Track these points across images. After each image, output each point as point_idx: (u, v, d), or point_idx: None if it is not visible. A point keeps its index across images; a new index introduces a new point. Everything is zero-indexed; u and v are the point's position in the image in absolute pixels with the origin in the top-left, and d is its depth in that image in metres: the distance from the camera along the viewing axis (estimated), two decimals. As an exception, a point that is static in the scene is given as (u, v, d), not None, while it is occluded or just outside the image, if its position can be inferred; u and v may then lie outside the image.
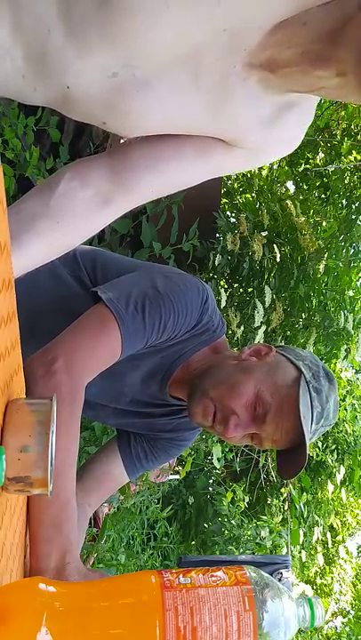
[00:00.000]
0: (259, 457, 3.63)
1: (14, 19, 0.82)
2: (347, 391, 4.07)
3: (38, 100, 0.93)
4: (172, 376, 1.25)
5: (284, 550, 3.68)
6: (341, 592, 6.59)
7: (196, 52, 0.81)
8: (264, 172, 4.37)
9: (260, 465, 3.70)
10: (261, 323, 2.98)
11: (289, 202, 3.49)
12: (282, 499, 4.16)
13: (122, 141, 1.02)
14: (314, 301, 3.44)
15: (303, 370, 1.19)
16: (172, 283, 1.18)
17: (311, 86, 0.85)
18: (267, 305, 3.05)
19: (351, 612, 6.68)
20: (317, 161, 4.39)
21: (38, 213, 1.00)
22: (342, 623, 6.44)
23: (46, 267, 1.28)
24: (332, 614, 6.51)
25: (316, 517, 4.20)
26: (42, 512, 0.92)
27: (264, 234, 3.38)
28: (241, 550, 3.54)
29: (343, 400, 3.94)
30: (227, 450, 3.33)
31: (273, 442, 1.19)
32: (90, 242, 2.02)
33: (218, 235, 3.50)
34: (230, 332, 3.00)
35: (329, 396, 1.19)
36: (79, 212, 1.02)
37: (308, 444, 1.14)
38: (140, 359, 1.20)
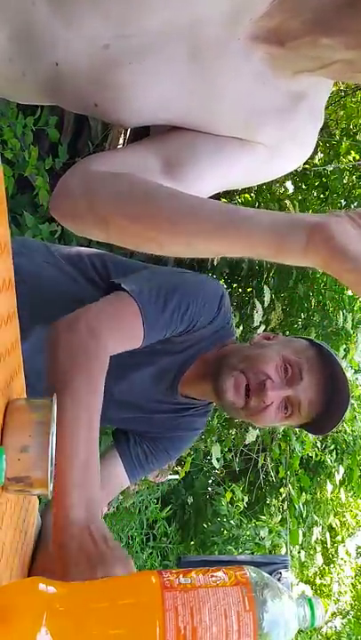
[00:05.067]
0: (258, 457, 3.63)
1: None
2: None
3: (29, 88, 0.86)
4: (185, 374, 1.26)
5: (283, 550, 3.68)
6: (341, 592, 6.60)
7: (196, 22, 0.74)
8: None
9: (260, 465, 3.70)
10: (260, 322, 2.98)
11: (288, 201, 3.48)
12: (281, 498, 4.16)
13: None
14: (313, 301, 3.44)
15: (312, 339, 1.26)
16: (190, 278, 1.22)
17: (321, 62, 0.77)
18: (266, 304, 3.05)
19: (351, 612, 6.69)
20: (316, 161, 4.38)
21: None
22: (342, 624, 6.45)
23: (54, 268, 1.26)
24: (332, 614, 6.51)
25: (316, 517, 4.20)
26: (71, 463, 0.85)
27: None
28: (240, 550, 3.54)
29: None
30: (226, 450, 3.33)
31: (309, 403, 1.19)
32: (88, 242, 2.01)
33: (217, 234, 3.49)
34: (229, 331, 2.99)
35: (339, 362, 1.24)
36: None
37: (349, 387, 1.20)
38: (158, 354, 1.21)
